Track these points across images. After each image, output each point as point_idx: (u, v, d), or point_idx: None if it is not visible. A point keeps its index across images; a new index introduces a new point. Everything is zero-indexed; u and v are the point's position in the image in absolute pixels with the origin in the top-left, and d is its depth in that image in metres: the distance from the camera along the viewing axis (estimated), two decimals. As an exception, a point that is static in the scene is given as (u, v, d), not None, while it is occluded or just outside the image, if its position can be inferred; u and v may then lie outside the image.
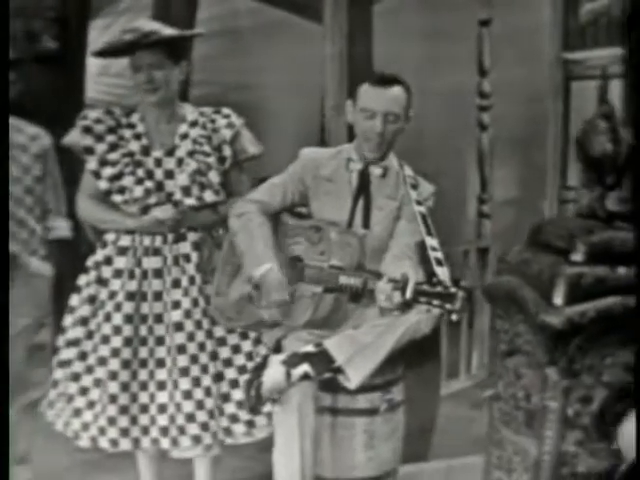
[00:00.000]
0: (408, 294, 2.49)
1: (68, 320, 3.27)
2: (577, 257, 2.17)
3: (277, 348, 2.90)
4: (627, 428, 1.01)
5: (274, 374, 2.75)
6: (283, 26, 4.32)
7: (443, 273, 2.51)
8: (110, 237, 3.22)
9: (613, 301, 2.10)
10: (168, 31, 3.20)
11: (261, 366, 2.81)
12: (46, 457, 3.78)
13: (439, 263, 2.55)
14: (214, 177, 3.18)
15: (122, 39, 3.14)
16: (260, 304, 2.83)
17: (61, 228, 3.62)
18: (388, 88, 2.81)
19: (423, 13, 3.97)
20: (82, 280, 3.26)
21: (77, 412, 3.24)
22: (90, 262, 3.25)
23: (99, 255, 3.23)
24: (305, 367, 2.73)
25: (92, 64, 5.02)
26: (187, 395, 3.15)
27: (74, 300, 3.26)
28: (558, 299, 2.13)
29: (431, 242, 2.63)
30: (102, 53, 3.33)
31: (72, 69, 4.46)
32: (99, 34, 4.98)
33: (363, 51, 3.86)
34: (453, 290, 2.42)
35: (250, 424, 3.20)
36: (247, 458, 3.58)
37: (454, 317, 2.43)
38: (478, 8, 3.68)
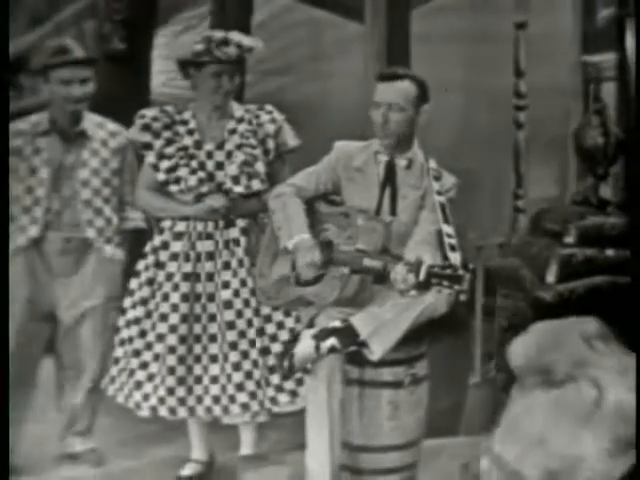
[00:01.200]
0: (421, 276, 2.68)
1: (128, 302, 3.52)
2: (569, 239, 2.39)
3: (311, 325, 3.07)
4: (515, 344, 1.19)
5: (305, 347, 2.94)
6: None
7: (455, 258, 2.70)
8: (166, 224, 3.46)
9: (601, 280, 2.30)
10: (260, 44, 3.46)
11: (294, 339, 3.00)
12: (107, 430, 4.02)
13: (452, 248, 2.75)
14: (260, 167, 3.42)
15: (227, 53, 3.35)
16: (297, 275, 2.99)
17: (136, 219, 3.78)
18: (392, 82, 2.99)
19: (462, 15, 4.13)
20: (141, 265, 3.51)
21: (138, 385, 3.46)
22: (148, 248, 3.50)
23: (156, 241, 3.48)
24: (332, 341, 2.90)
25: (164, 65, 5.20)
26: (236, 367, 3.38)
27: (133, 283, 3.52)
28: (551, 277, 2.35)
29: (447, 229, 2.80)
30: (191, 62, 3.41)
31: (139, 68, 4.66)
32: (174, 35, 5.22)
33: (401, 51, 4.05)
34: (461, 272, 2.61)
35: (293, 394, 3.43)
36: (288, 431, 3.77)
37: (462, 297, 2.63)
38: (514, 11, 3.80)
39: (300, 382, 3.43)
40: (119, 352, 3.54)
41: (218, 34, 3.40)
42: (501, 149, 3.96)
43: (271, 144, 3.46)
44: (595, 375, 1.05)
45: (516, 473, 1.03)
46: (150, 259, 3.48)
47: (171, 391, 3.40)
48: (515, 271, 2.47)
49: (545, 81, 3.29)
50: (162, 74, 5.16)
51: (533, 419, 1.04)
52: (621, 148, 2.35)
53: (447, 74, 4.14)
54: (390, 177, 3.06)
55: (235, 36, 3.40)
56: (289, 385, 3.44)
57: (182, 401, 3.42)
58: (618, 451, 1.01)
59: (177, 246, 3.44)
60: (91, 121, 3.67)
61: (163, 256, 3.45)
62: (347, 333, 2.92)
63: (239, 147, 3.43)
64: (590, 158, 2.40)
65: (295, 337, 3.03)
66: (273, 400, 3.44)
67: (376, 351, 2.91)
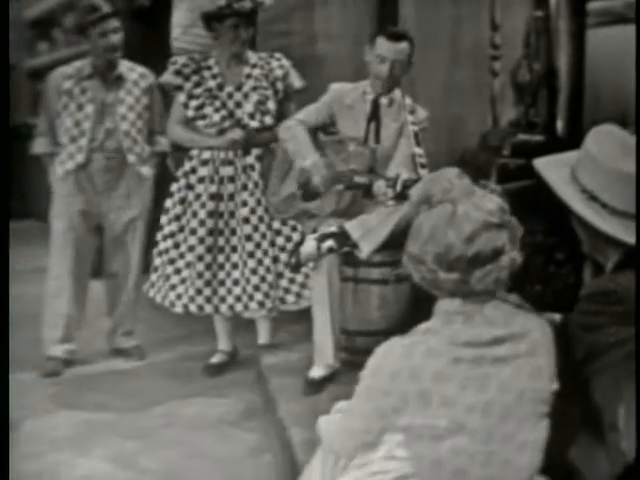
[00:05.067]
0: (398, 187, 3.23)
1: (164, 219, 3.99)
2: (505, 152, 3.02)
3: (314, 232, 3.49)
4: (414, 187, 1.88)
5: (308, 247, 3.40)
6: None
7: (424, 173, 3.26)
8: (194, 152, 3.92)
9: (527, 182, 2.89)
10: (268, 0, 3.87)
11: (300, 242, 3.48)
12: (147, 331, 4.58)
13: (422, 166, 3.32)
14: (271, 105, 3.88)
15: (244, 6, 3.75)
16: (303, 192, 3.46)
17: (162, 144, 4.27)
18: (398, 42, 3.42)
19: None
20: (174, 187, 3.97)
21: (172, 287, 3.95)
22: (180, 172, 3.96)
23: (187, 166, 3.94)
24: (330, 242, 3.36)
25: (183, 17, 5.44)
26: (253, 272, 3.86)
27: (168, 203, 3.98)
28: (491, 182, 3.00)
29: (418, 151, 3.36)
30: (215, 16, 3.78)
31: (160, 23, 4.97)
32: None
33: (391, 13, 4.59)
34: None
35: (298, 295, 3.95)
36: (302, 326, 4.13)
37: None
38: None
39: (304, 286, 3.90)
40: (157, 262, 4.01)
41: None
42: (483, 96, 4.45)
43: (280, 86, 3.90)
44: (453, 197, 1.77)
45: (417, 257, 1.79)
46: (181, 182, 3.93)
47: (199, 292, 3.89)
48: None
49: (515, 33, 3.77)
50: (185, 22, 5.45)
51: (423, 226, 1.78)
52: (542, 82, 2.99)
53: (434, 32, 4.66)
54: (375, 112, 3.55)
55: None
56: (295, 288, 3.93)
57: (208, 299, 3.89)
58: (468, 239, 1.72)
59: (204, 171, 3.87)
60: (124, 66, 4.15)
61: (192, 179, 3.89)
62: (342, 236, 3.36)
63: (254, 89, 3.87)
64: (521, 90, 3.04)
65: (301, 240, 3.50)
66: (282, 300, 3.94)
67: (364, 250, 3.33)
